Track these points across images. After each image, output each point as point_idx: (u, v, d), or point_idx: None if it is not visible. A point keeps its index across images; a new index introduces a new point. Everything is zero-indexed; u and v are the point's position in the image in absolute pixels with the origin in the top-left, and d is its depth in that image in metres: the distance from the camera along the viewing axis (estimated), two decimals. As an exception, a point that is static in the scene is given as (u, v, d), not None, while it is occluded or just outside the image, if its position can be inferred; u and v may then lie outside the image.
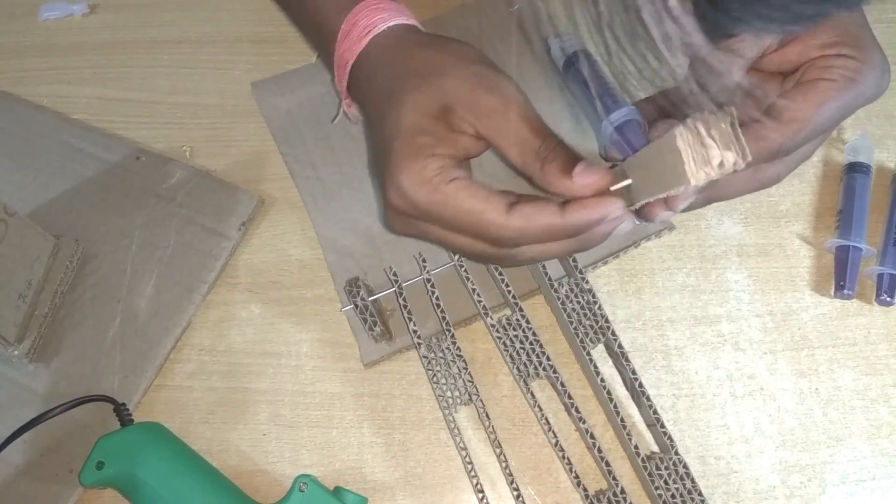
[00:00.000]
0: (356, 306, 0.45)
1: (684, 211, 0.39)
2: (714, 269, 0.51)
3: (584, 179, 0.36)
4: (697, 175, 0.32)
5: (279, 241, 0.53)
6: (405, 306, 0.45)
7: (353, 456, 0.46)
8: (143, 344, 0.49)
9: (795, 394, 0.47)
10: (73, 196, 0.54)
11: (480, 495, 0.42)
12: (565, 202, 0.37)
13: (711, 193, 0.40)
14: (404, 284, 0.46)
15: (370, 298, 0.45)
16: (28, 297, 0.48)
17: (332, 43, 0.44)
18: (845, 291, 0.48)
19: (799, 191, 0.53)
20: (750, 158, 0.32)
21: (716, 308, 0.49)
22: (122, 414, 0.45)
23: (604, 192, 0.36)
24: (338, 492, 0.43)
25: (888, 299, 0.48)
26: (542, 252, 0.39)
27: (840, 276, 0.49)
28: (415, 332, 0.45)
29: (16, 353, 0.47)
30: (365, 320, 0.45)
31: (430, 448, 0.46)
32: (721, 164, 0.32)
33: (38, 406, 0.47)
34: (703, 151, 0.32)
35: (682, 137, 0.32)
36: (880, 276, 0.49)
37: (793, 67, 0.40)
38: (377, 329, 0.45)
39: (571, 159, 0.37)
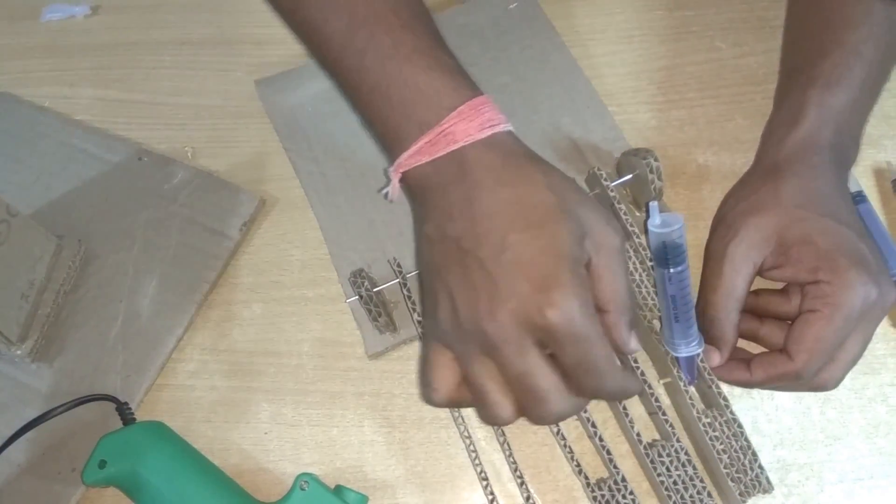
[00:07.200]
0: (361, 297, 0.45)
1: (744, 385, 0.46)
2: (713, 268, 0.51)
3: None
4: None
5: (280, 241, 0.53)
6: (409, 297, 0.45)
7: (353, 454, 0.47)
8: (146, 343, 0.49)
9: (793, 393, 0.47)
10: (75, 197, 0.54)
11: (485, 482, 0.42)
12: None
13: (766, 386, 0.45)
14: (408, 275, 0.46)
15: (374, 289, 0.45)
16: (31, 296, 0.48)
17: (425, 111, 0.40)
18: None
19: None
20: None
21: (714, 308, 0.49)
22: (124, 413, 0.45)
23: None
24: (339, 490, 0.43)
25: (886, 299, 0.48)
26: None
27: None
28: (419, 321, 0.45)
29: (18, 352, 0.48)
30: (370, 311, 0.45)
31: (430, 447, 0.46)
32: None
33: (40, 405, 0.47)
34: None
35: None
36: (878, 275, 0.49)
37: (796, 283, 0.44)
38: (381, 320, 0.45)
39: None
